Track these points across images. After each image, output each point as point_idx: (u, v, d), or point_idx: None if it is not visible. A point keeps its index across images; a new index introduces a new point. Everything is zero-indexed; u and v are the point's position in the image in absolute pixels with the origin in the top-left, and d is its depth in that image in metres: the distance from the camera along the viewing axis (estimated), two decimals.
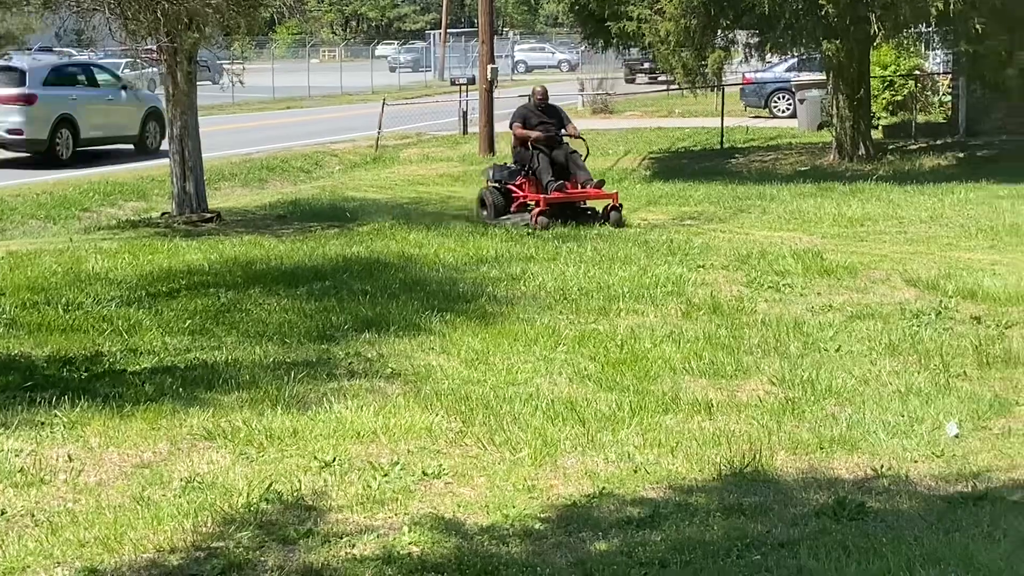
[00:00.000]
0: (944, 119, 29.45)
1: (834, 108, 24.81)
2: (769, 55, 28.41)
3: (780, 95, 37.96)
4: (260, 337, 10.01)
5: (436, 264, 13.32)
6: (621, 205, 17.60)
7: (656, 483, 6.79)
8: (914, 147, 26.13)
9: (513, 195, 18.08)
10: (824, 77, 26.85)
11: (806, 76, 35.23)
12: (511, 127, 18.53)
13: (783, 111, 37.40)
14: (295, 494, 6.53)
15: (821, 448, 7.33)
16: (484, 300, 11.53)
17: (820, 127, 30.59)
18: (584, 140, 18.69)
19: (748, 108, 38.42)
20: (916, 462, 7.08)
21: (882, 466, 6.97)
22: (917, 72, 30.71)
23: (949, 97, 29.83)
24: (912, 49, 28.63)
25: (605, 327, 10.42)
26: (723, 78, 26.67)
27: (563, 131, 18.21)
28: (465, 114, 33.89)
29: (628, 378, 8.86)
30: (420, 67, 73.16)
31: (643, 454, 7.26)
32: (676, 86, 31.68)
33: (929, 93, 31.72)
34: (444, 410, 8.01)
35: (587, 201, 17.91)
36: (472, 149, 29.73)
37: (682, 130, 33.25)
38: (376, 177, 26.32)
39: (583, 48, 39.89)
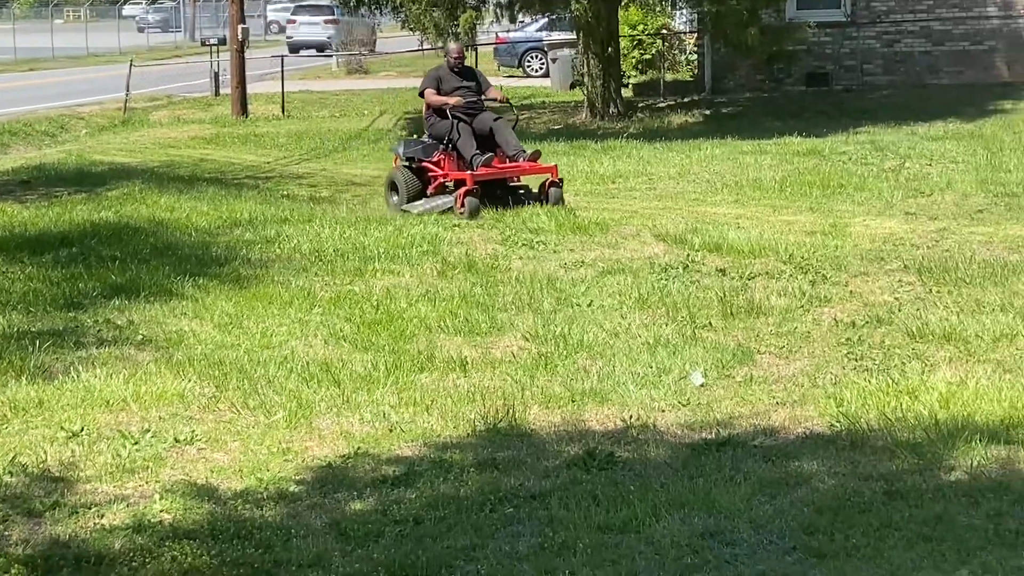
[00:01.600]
0: (691, 77, 30.16)
1: (585, 67, 25.15)
2: (520, 15, 28.62)
3: (533, 54, 38.35)
4: (3, 306, 9.68)
5: (188, 228, 13.07)
6: (562, 180, 14.97)
7: (411, 441, 6.83)
8: (663, 105, 26.71)
9: (430, 174, 14.97)
10: (575, 37, 27.21)
11: (558, 36, 35.66)
12: (421, 94, 15.42)
13: (536, 70, 37.79)
14: (41, 466, 6.36)
15: (573, 401, 7.48)
16: (238, 263, 11.38)
17: (572, 86, 30.99)
18: (511, 105, 16.57)
19: (502, 67, 38.70)
20: (663, 411, 7.29)
21: (631, 416, 7.16)
22: (664, 31, 31.38)
23: (695, 56, 30.57)
24: (659, 8, 29.19)
25: (361, 288, 10.41)
26: (476, 38, 26.76)
27: (484, 96, 15.51)
28: (217, 75, 33.23)
29: (384, 338, 8.88)
30: (170, 27, 71.37)
31: (399, 413, 7.29)
32: (430, 46, 31.67)
33: (676, 52, 32.46)
34: (197, 376, 7.90)
35: (519, 177, 15.14)
36: (225, 111, 29.20)
37: None
38: (125, 140, 25.63)
39: (338, 8, 39.53)
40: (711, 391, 7.66)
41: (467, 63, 15.94)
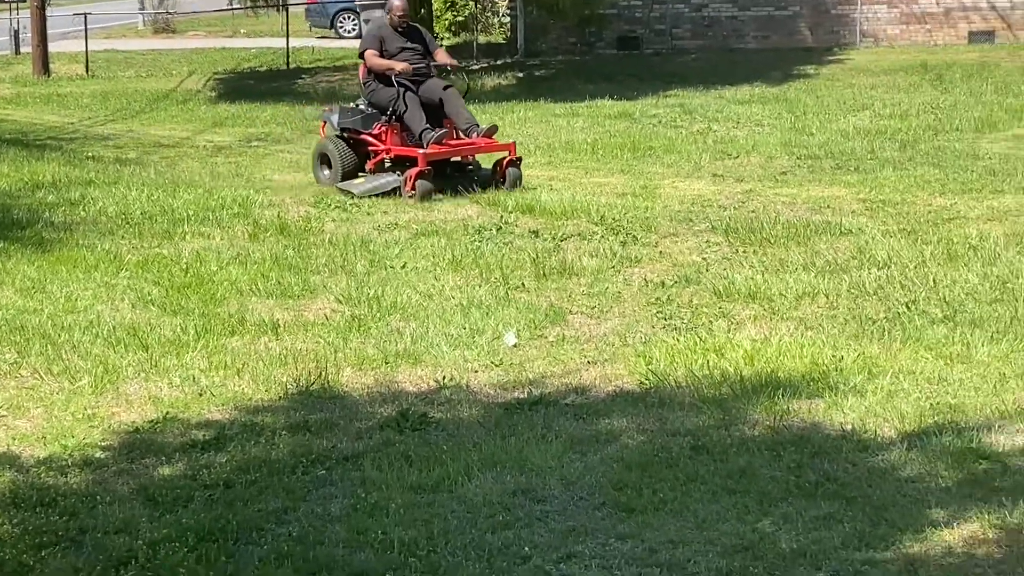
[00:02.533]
0: (504, 40, 30.26)
1: None
2: None
3: (346, 15, 38.00)
4: None
5: None
6: (520, 159, 13.30)
7: (222, 405, 6.75)
8: (476, 68, 26.73)
9: (370, 149, 13.22)
10: None
11: None
12: (362, 55, 13.45)
13: (349, 32, 37.45)
14: None
15: (386, 363, 7.47)
16: (41, 227, 11.08)
17: None
18: (463, 72, 14.64)
19: (314, 28, 38.28)
20: (477, 372, 7.32)
21: (444, 377, 7.18)
22: None
23: (508, 18, 30.65)
24: None
25: (169, 251, 10.22)
26: None
27: (433, 60, 13.53)
28: (16, 33, 32.22)
29: (193, 302, 8.74)
30: None
31: (208, 377, 7.19)
32: (240, 5, 31.20)
33: (489, 14, 32.51)
34: None
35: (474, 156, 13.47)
36: (26, 70, 28.33)
37: (248, 51, 32.78)
38: None
39: None
40: (524, 351, 7.72)
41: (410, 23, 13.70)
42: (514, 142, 13.50)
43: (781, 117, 17.72)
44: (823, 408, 6.38)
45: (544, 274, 9.51)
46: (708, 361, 7.16)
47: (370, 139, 13.21)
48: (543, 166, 14.86)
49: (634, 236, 10.62)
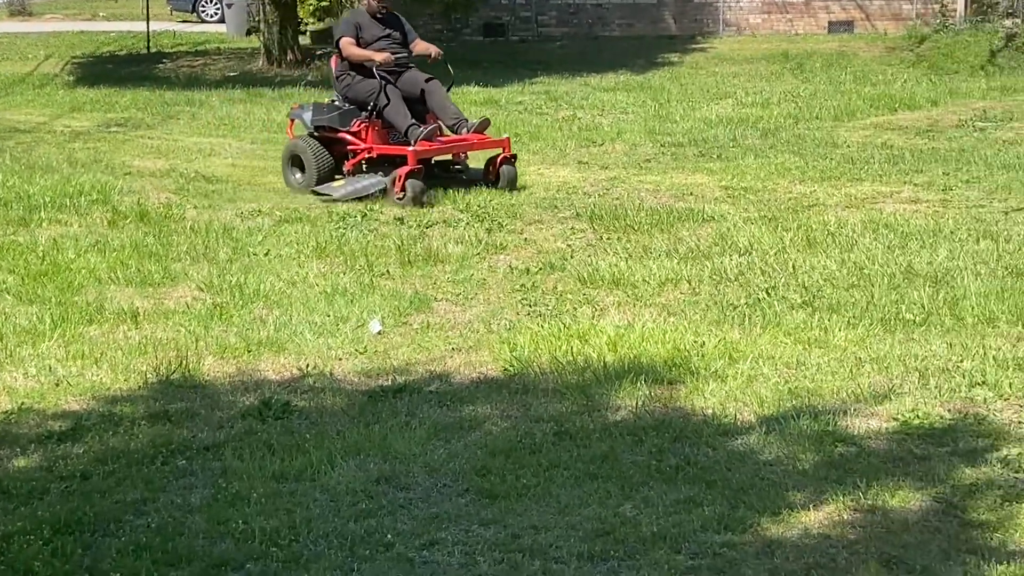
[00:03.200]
0: None
1: (261, 14, 24.80)
2: None
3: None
4: None
5: None
6: (515, 155, 12.38)
7: (80, 395, 6.62)
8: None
9: (349, 148, 12.21)
10: None
11: None
12: (338, 44, 12.37)
13: (212, 16, 36.95)
14: None
15: (249, 351, 7.38)
16: None
17: (249, 32, 30.47)
18: (446, 62, 12.95)
19: (175, 12, 37.70)
20: (341, 359, 7.27)
21: (308, 365, 7.12)
22: None
23: None
24: None
25: (25, 238, 10.00)
26: None
27: (412, 50, 12.66)
28: None
29: (50, 290, 8.56)
30: None
31: (65, 367, 7.06)
32: None
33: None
34: None
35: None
36: None
37: (107, 34, 32.17)
38: None
39: None
40: (388, 338, 7.69)
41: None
42: (508, 137, 12.64)
43: (645, 105, 17.88)
44: (685, 393, 6.45)
45: (409, 261, 9.48)
46: (572, 347, 7.19)
47: (348, 137, 12.20)
48: None
49: (499, 223, 10.64)
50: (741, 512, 5.03)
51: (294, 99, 19.31)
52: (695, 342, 7.20)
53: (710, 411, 6.18)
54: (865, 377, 6.55)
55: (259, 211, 11.18)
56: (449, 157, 12.53)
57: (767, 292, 8.29)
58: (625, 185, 12.32)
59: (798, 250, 9.43)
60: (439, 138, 12.14)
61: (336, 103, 12.43)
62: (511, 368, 6.97)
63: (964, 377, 6.44)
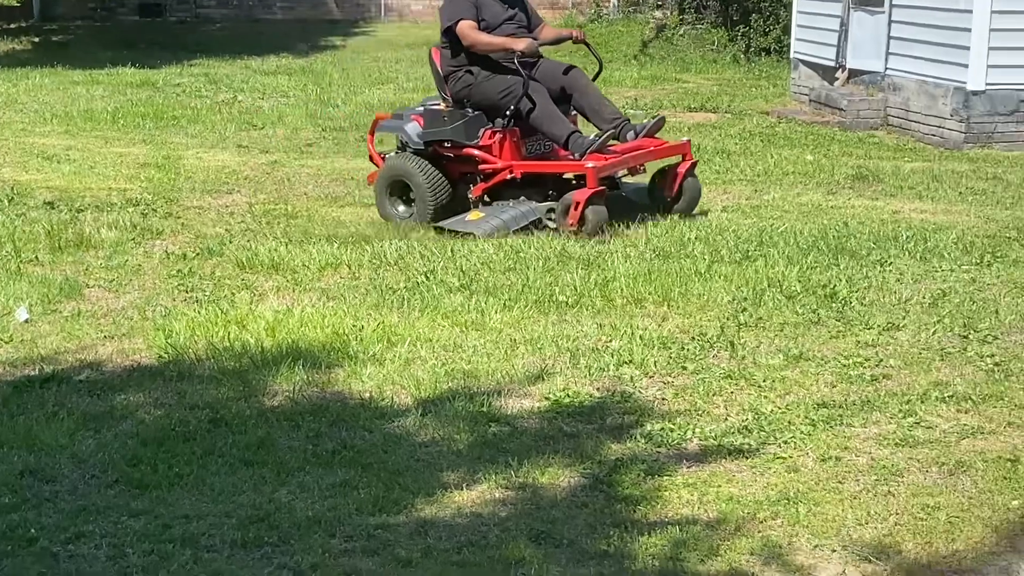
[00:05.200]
0: (18, 3, 28.82)
1: None
2: None
3: None
4: None
5: None
6: (695, 162, 10.08)
7: None
8: None
9: (481, 169, 9.72)
10: None
11: None
12: (451, 30, 9.66)
13: None
14: None
15: None
16: None
17: None
18: (589, 46, 10.45)
19: None
20: None
21: None
22: None
23: None
24: None
25: None
26: None
27: (538, 37, 9.95)
28: None
29: None
30: None
31: None
32: None
33: None
34: None
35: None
36: None
37: None
38: None
39: None
40: (36, 327, 7.40)
41: None
42: (688, 141, 10.40)
43: (307, 89, 17.79)
44: (343, 377, 6.45)
45: (60, 247, 9.15)
46: (230, 333, 7.09)
47: (477, 154, 9.65)
48: (60, 135, 14.33)
49: (156, 208, 10.40)
50: (396, 493, 5.07)
51: None
52: (354, 326, 7.20)
53: (367, 394, 6.20)
54: (519, 358, 6.69)
55: None
56: (620, 171, 9.82)
57: (426, 276, 8.37)
58: (286, 169, 12.23)
59: (455, 235, 9.55)
60: (616, 148, 9.61)
61: (450, 108, 9.77)
62: (166, 355, 6.82)
63: (613, 356, 6.66)
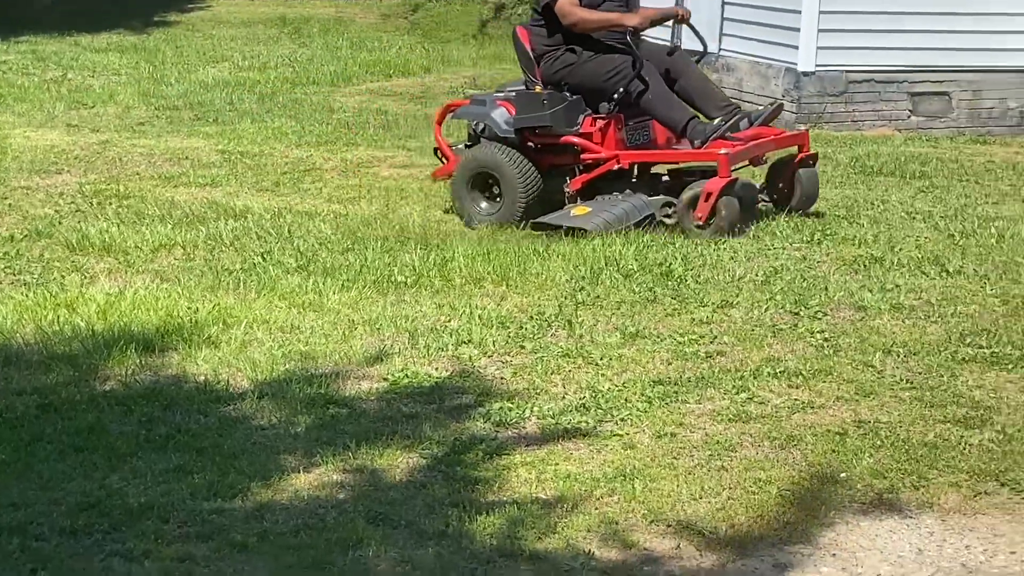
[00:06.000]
0: None
1: None
2: None
3: None
4: None
5: None
6: (816, 154, 9.32)
7: None
8: None
9: (584, 159, 8.93)
10: None
11: None
12: (551, 5, 8.91)
13: None
14: None
15: None
16: None
17: None
18: (692, 27, 9.40)
19: None
20: None
21: None
22: None
23: None
24: None
25: None
26: None
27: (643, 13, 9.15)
28: None
29: None
30: None
31: None
32: None
33: None
34: None
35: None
36: None
37: None
38: None
39: None
40: None
41: None
42: (807, 130, 9.99)
43: (139, 67, 17.41)
44: (177, 360, 6.34)
45: None
46: (59, 316, 6.92)
47: (577, 142, 8.87)
48: None
49: None
50: (232, 478, 5.00)
51: None
52: (188, 308, 7.09)
53: (203, 378, 6.10)
54: (358, 339, 6.65)
55: None
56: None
57: (262, 256, 8.28)
58: (118, 149, 11.97)
59: (294, 215, 9.47)
60: (739, 135, 8.83)
61: (564, 95, 8.89)
62: None
63: (451, 336, 6.66)
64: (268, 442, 5.40)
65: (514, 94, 9.13)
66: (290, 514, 4.73)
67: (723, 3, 15.35)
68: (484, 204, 9.19)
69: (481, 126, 9.23)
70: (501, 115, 9.07)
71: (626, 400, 5.84)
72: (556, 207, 9.03)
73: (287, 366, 6.26)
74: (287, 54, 19.04)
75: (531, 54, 9.05)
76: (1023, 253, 8.27)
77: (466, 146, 9.47)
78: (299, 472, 5.09)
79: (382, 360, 6.36)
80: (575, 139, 8.83)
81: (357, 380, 6.12)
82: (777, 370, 6.18)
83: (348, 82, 16.73)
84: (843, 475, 5.09)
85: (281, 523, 4.66)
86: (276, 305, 7.22)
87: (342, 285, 7.61)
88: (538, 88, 8.97)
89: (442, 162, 9.87)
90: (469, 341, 6.59)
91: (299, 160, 11.59)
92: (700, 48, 9.52)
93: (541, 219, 8.87)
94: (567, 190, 8.93)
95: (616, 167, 8.80)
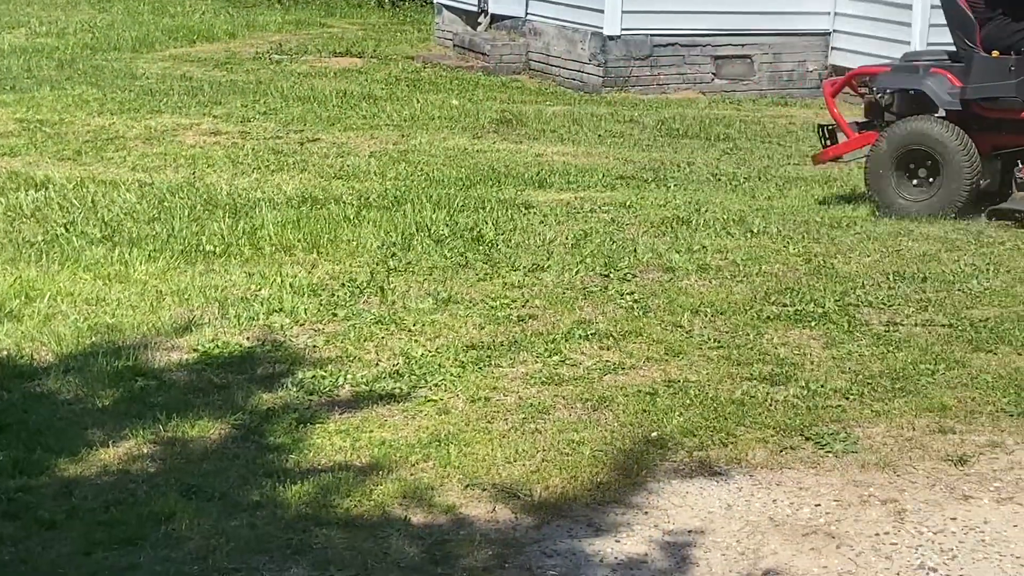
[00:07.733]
0: None
1: None
2: None
3: None
4: None
5: None
6: None
7: None
8: None
9: None
10: None
11: None
12: None
13: None
14: None
15: None
16: None
17: None
18: None
19: None
20: None
21: None
22: None
23: None
24: None
25: None
26: None
27: None
28: None
29: None
30: None
31: None
32: None
33: None
34: None
35: None
36: None
37: None
38: None
39: None
40: None
41: None
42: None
43: None
44: None
45: None
46: None
47: None
48: None
49: None
50: (38, 454, 4.87)
51: None
52: None
53: (5, 353, 5.92)
54: (166, 310, 6.53)
55: None
56: None
57: (65, 228, 8.07)
58: None
59: (96, 184, 9.24)
60: None
61: (994, 56, 7.84)
62: None
63: (262, 305, 6.58)
64: (75, 417, 5.27)
65: (935, 60, 8.09)
66: (100, 489, 4.63)
67: None
68: (912, 191, 8.10)
69: (890, 100, 8.23)
70: (941, 84, 7.94)
71: (440, 365, 5.85)
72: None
73: (93, 339, 6.11)
74: (86, 19, 18.54)
75: (972, 17, 8.08)
76: (823, 213, 8.51)
77: (856, 125, 8.51)
78: (108, 446, 4.98)
79: (191, 331, 6.26)
80: None
81: (166, 351, 6.01)
82: (588, 332, 6.25)
83: (151, 48, 16.37)
84: (654, 434, 5.18)
85: (90, 499, 4.56)
86: (80, 277, 7.05)
87: (149, 255, 7.46)
88: (995, 53, 7.87)
89: (826, 144, 8.67)
90: (280, 310, 6.53)
91: (101, 128, 11.31)
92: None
93: (1000, 207, 7.79)
94: (1019, 176, 7.83)
95: None
